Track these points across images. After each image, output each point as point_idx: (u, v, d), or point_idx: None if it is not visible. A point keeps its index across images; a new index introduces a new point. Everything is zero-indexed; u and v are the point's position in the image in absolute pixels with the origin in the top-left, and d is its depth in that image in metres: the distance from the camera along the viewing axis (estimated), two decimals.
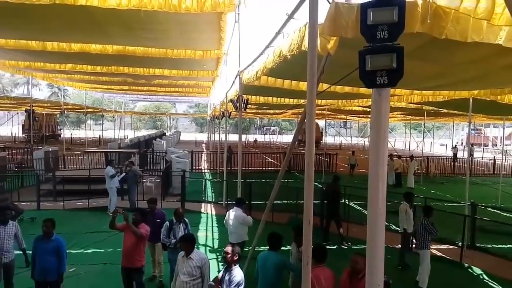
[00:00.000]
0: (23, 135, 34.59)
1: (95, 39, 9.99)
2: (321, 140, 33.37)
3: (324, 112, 19.29)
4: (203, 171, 19.98)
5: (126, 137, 36.01)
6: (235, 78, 10.32)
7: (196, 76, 15.12)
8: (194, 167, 19.64)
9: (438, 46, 4.09)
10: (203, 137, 48.81)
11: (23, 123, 35.41)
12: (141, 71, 14.37)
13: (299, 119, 5.08)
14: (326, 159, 20.62)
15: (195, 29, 8.55)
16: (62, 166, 17.57)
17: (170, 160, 14.93)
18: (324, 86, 5.73)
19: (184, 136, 48.61)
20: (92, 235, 8.75)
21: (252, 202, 10.68)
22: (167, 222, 5.85)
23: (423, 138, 24.40)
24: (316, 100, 3.38)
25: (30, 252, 5.09)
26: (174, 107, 71.83)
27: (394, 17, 1.93)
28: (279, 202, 10.41)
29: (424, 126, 27.83)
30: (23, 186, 12.86)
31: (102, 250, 7.88)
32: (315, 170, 2.99)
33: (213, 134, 30.91)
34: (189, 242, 4.46)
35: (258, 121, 52.57)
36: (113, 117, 45.85)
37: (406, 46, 2.02)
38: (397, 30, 1.94)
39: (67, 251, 5.23)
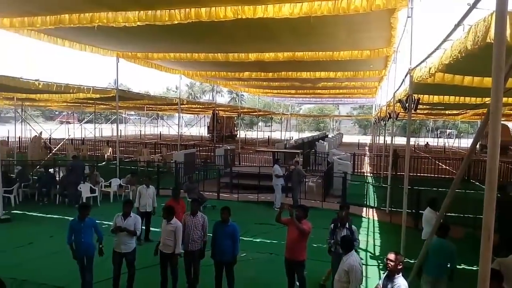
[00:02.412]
0: (208, 135, 40.15)
1: (268, 48, 10.92)
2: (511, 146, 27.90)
3: None
4: (365, 174, 19.39)
5: (291, 138, 37.93)
6: (405, 76, 9.67)
7: (361, 77, 14.82)
8: (356, 170, 19.24)
9: None
10: (366, 139, 47.32)
11: (208, 125, 41.02)
12: (308, 75, 14.93)
13: (482, 120, 4.42)
14: None
15: (363, 29, 8.41)
16: (237, 163, 19.75)
17: (331, 161, 15.02)
18: None
19: (346, 138, 48.13)
20: (260, 226, 9.59)
21: (420, 211, 9.78)
22: (332, 224, 5.95)
23: None
24: (504, 99, 2.89)
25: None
26: (338, 109, 71.84)
27: None
28: (453, 214, 9.25)
29: None
30: (207, 178, 14.90)
31: (269, 241, 8.55)
32: (500, 181, 2.57)
33: (377, 137, 29.61)
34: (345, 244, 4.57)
35: (431, 123, 47.62)
36: (281, 119, 49.02)
37: None
38: None
39: (239, 237, 5.87)
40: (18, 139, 24.53)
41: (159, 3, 6.96)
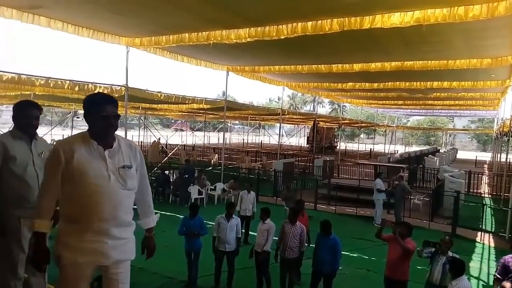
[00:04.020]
0: (307, 145, 40.25)
1: (375, 58, 10.62)
2: None
3: None
4: (482, 195, 17.29)
5: (396, 152, 35.84)
6: None
7: (481, 87, 13.38)
8: (471, 189, 17.31)
9: None
10: (485, 156, 42.03)
11: (308, 135, 41.15)
12: (418, 85, 14.07)
13: None
14: None
15: (483, 36, 7.69)
16: (336, 175, 19.43)
17: (442, 178, 13.82)
18: None
19: (461, 154, 43.47)
20: (358, 241, 9.29)
21: None
22: (427, 249, 5.43)
23: None
24: None
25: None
26: (452, 121, 65.39)
27: None
28: None
29: None
30: (304, 188, 14.99)
31: (366, 257, 8.24)
32: None
33: (498, 154, 26.18)
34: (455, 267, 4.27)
35: None
36: (385, 131, 46.62)
37: None
38: None
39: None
40: (140, 144, 27.93)
41: (268, 20, 7.36)
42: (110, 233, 2.41)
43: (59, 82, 9.45)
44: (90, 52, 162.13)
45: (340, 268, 7.12)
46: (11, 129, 3.28)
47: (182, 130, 40.02)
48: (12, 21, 7.26)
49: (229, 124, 48.82)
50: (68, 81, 9.57)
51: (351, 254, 8.39)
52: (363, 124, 37.43)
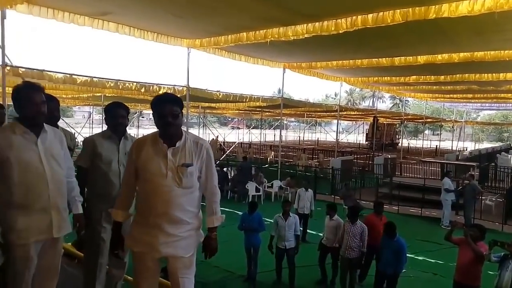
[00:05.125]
0: (366, 142, 38.94)
1: (441, 49, 10.01)
2: None
3: None
4: None
5: (465, 149, 33.44)
6: None
7: None
8: None
9: None
10: None
11: (367, 132, 39.82)
12: (489, 77, 13.01)
13: None
14: None
15: None
16: (398, 173, 18.59)
17: None
18: None
19: None
20: (422, 243, 8.83)
21: None
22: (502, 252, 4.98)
23: None
24: None
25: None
26: None
27: None
28: None
29: None
30: (363, 187, 14.52)
31: (433, 261, 7.81)
32: None
33: None
34: None
35: None
36: (452, 127, 43.64)
37: None
38: None
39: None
40: None
41: (325, 14, 7.23)
42: (162, 229, 2.51)
43: (127, 84, 10.08)
44: (153, 54, 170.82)
45: (404, 271, 6.87)
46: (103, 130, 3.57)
47: (238, 128, 40.76)
48: (84, 27, 7.89)
49: (285, 122, 48.82)
50: (135, 83, 10.17)
51: (415, 257, 8.00)
52: (428, 120, 35.35)
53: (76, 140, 6.26)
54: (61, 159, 2.72)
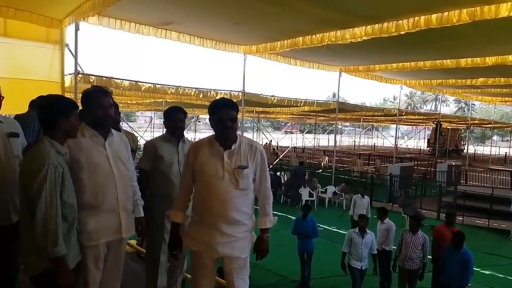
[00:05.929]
0: (428, 148, 36.95)
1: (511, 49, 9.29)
2: None
3: None
4: None
5: None
6: None
7: None
8: None
9: None
10: None
11: (429, 137, 37.78)
12: None
13: None
14: None
15: None
16: (463, 181, 17.42)
17: None
18: None
19: None
20: (490, 257, 8.27)
21: None
22: None
23: None
24: None
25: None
26: None
27: None
28: None
29: None
30: (425, 195, 13.84)
31: (501, 276, 7.28)
32: None
33: None
34: None
35: None
36: None
37: None
38: None
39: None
40: None
41: (385, 16, 7.00)
42: (220, 229, 2.58)
43: (187, 90, 10.53)
44: (210, 61, 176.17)
45: (469, 285, 6.44)
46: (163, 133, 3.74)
47: (292, 133, 40.60)
48: (148, 37, 8.38)
49: (339, 126, 47.80)
50: (194, 89, 10.60)
51: (482, 271, 7.47)
52: (496, 125, 32.72)
53: (138, 142, 6.67)
54: (127, 162, 2.86)
